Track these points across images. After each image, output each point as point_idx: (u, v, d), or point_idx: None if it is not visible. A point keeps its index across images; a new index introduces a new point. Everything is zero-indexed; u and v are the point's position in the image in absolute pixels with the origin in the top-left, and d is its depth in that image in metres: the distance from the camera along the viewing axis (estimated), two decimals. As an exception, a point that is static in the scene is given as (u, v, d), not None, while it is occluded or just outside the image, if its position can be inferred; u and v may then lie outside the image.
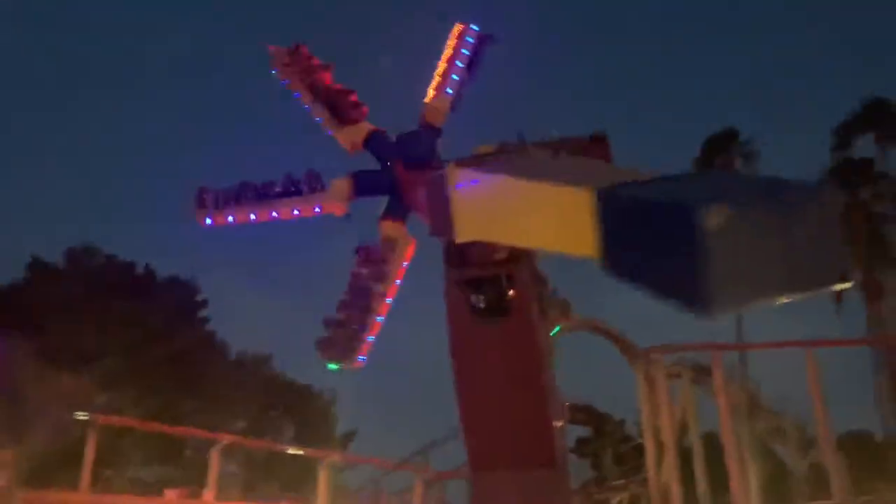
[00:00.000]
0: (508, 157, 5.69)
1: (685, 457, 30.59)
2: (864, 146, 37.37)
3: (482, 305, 6.15)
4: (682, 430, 31.36)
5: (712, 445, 30.99)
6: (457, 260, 6.21)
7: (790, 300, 2.20)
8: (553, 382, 6.61)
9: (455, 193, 5.39)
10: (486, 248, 5.99)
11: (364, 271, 8.26)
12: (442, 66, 9.01)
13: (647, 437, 33.23)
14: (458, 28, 9.25)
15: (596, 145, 8.59)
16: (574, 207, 3.67)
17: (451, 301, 6.26)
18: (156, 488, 26.98)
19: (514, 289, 6.07)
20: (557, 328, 7.72)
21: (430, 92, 8.86)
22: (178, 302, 37.76)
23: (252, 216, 8.46)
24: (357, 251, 8.40)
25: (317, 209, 8.44)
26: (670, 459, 31.10)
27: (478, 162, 5.62)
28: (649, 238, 2.54)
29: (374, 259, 8.32)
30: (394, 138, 8.82)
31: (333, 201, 8.35)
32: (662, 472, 31.76)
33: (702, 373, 31.23)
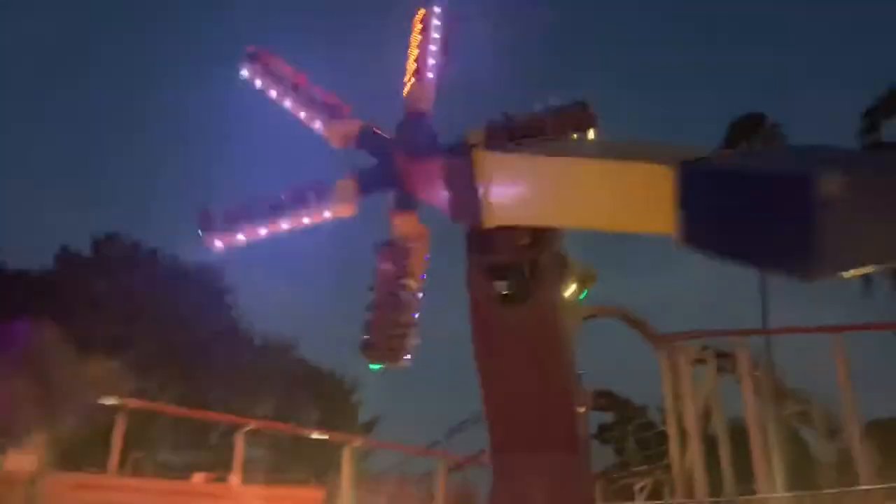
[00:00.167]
0: (540, 140, 5.66)
1: (709, 443, 30.30)
2: (892, 129, 36.78)
3: (504, 292, 6.14)
4: (706, 416, 31.15)
5: (737, 431, 30.78)
6: (479, 246, 6.20)
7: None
8: (575, 368, 6.59)
9: (484, 178, 5.38)
10: (509, 234, 5.97)
11: (390, 268, 8.27)
12: (415, 51, 8.80)
13: (670, 423, 33.09)
14: (422, 12, 9.05)
15: (581, 113, 8.56)
16: (647, 184, 3.66)
17: (473, 287, 6.27)
18: (183, 472, 27.42)
19: (536, 275, 6.05)
20: (585, 293, 7.55)
21: (410, 80, 8.65)
22: (204, 289, 38.12)
23: (263, 231, 8.45)
24: (378, 248, 8.41)
25: (326, 214, 8.44)
26: (694, 445, 30.89)
27: (506, 146, 5.60)
28: (748, 208, 2.57)
29: (397, 255, 8.32)
30: (388, 131, 8.69)
31: (342, 205, 8.31)
32: (686, 458, 31.56)
33: (727, 359, 31.08)
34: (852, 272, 2.24)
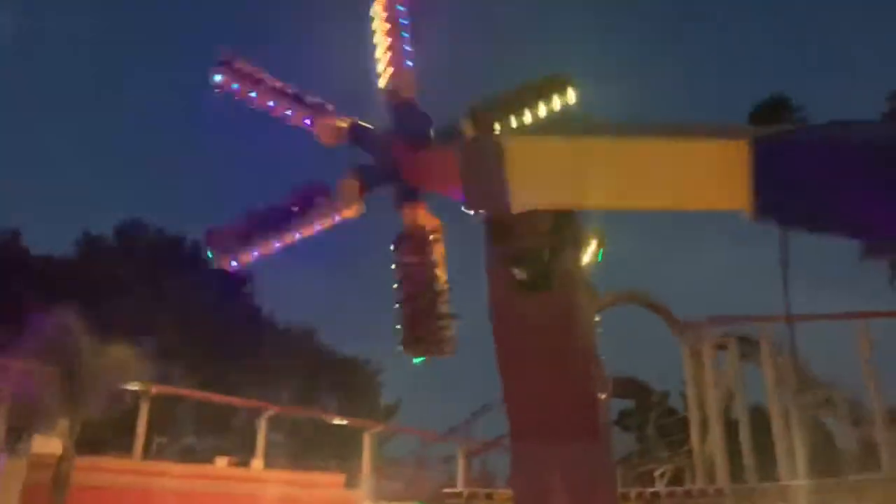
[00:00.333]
0: (568, 123, 5.63)
1: (730, 429, 30.12)
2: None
3: (524, 278, 6.10)
4: (728, 402, 30.92)
5: (758, 418, 30.54)
6: (498, 233, 6.17)
7: None
8: (596, 354, 6.56)
9: (512, 163, 5.33)
10: (528, 219, 5.93)
11: (414, 260, 8.26)
12: (385, 39, 8.63)
13: (691, 410, 32.93)
14: (381, 1, 8.83)
15: (559, 85, 8.50)
16: (717, 160, 3.70)
17: (492, 274, 6.24)
18: (206, 456, 27.79)
19: (556, 260, 6.01)
20: (601, 253, 7.47)
21: (387, 70, 8.51)
22: (226, 276, 38.45)
23: (276, 245, 8.40)
24: (396, 243, 8.39)
25: (337, 218, 8.41)
26: (715, 432, 30.75)
27: (535, 130, 5.57)
28: (845, 178, 2.58)
29: (417, 247, 8.31)
30: (378, 125, 8.58)
31: (350, 205, 8.27)
32: (707, 445, 31.41)
33: (749, 345, 30.81)
34: None
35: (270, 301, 42.64)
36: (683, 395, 35.74)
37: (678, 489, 28.68)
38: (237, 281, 39.42)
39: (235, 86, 8.80)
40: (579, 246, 6.44)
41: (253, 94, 8.76)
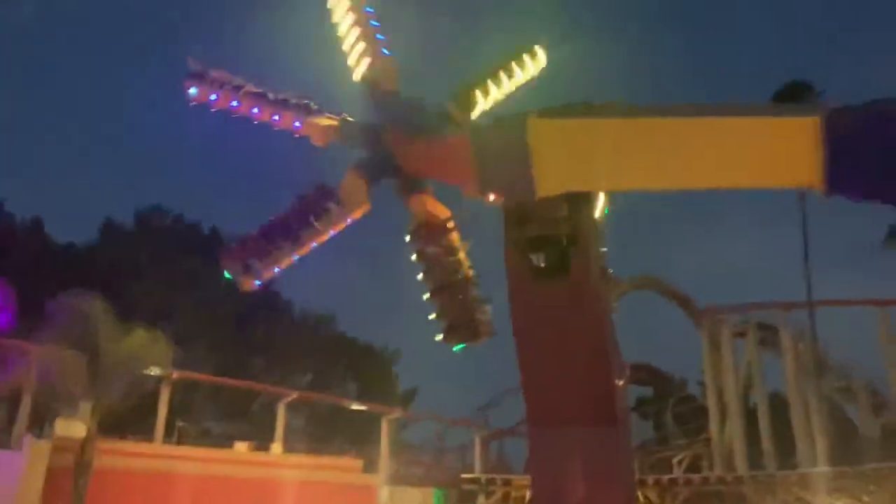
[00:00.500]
0: (593, 107, 5.56)
1: (749, 417, 29.94)
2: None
3: (542, 264, 6.09)
4: (747, 389, 30.72)
5: (777, 405, 30.32)
6: (515, 220, 6.15)
7: None
8: (614, 341, 6.54)
9: (541, 147, 5.29)
10: (546, 206, 5.91)
11: (435, 250, 8.25)
12: (353, 30, 8.43)
13: (710, 397, 32.76)
14: None
15: (529, 49, 8.47)
16: (787, 136, 3.73)
17: (510, 260, 6.22)
18: (226, 441, 28.06)
19: (574, 247, 5.99)
20: (607, 210, 7.43)
21: (363, 61, 8.33)
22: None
23: (295, 257, 8.37)
24: (412, 234, 8.36)
25: (348, 221, 8.36)
26: (734, 419, 30.60)
27: (563, 113, 5.51)
28: None
29: (435, 236, 8.29)
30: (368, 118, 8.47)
31: (357, 204, 8.22)
32: (725, 432, 31.25)
33: (768, 332, 30.58)
34: None
35: (288, 289, 42.87)
36: (701, 383, 35.58)
37: (696, 476, 28.64)
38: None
39: (213, 97, 8.66)
40: (596, 232, 6.40)
41: (234, 104, 8.62)
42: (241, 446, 25.55)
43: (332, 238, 8.40)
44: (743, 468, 27.73)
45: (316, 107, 8.51)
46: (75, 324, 18.90)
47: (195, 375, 27.68)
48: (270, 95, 8.48)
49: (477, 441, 33.04)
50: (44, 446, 20.14)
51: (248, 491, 22.33)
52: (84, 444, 19.42)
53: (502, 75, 8.40)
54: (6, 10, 72.05)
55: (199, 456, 23.46)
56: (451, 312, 8.08)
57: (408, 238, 8.43)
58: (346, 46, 8.48)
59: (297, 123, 8.47)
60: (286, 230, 8.19)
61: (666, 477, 28.57)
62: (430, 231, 8.30)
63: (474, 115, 8.28)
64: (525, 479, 25.63)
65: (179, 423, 26.95)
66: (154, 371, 22.34)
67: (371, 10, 8.60)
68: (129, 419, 23.49)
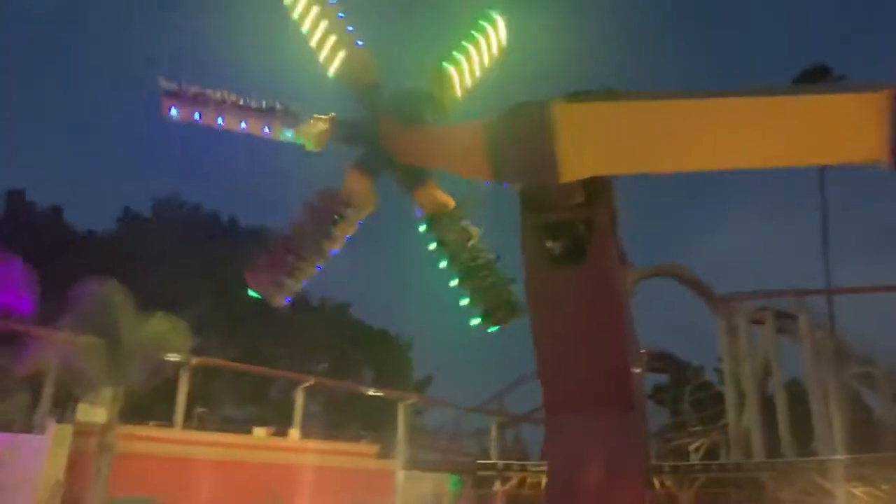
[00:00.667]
0: (621, 92, 5.55)
1: (767, 404, 29.80)
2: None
3: (558, 251, 6.08)
4: (764, 377, 30.56)
5: (795, 393, 30.14)
6: (532, 206, 6.14)
7: None
8: (631, 328, 6.53)
9: (566, 129, 5.28)
10: (563, 192, 5.90)
11: (455, 237, 8.25)
12: (322, 24, 8.18)
13: (727, 384, 32.61)
14: None
15: (494, 28, 8.39)
16: (852, 113, 3.79)
17: (526, 247, 6.22)
18: (245, 426, 28.36)
19: (591, 233, 5.97)
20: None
21: (338, 55, 8.11)
22: (260, 249, 38.85)
23: (318, 268, 8.30)
24: (428, 223, 8.36)
25: (360, 224, 8.30)
26: (751, 406, 30.43)
27: (593, 97, 5.49)
28: None
29: (450, 224, 8.30)
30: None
31: (366, 203, 8.16)
32: (743, 419, 31.09)
33: (787, 319, 30.36)
34: None
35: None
36: (718, 370, 35.47)
37: (713, 463, 28.61)
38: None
39: (197, 115, 8.34)
40: (614, 219, 6.38)
41: (220, 121, 8.35)
42: (259, 431, 25.83)
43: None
44: (760, 455, 27.66)
45: (303, 111, 8.27)
46: (96, 310, 19.13)
47: (214, 361, 27.97)
48: (255, 105, 8.25)
49: (493, 427, 33.18)
50: (66, 431, 20.47)
51: (266, 475, 22.60)
52: (105, 429, 19.72)
53: (471, 49, 8.26)
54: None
55: (219, 441, 23.75)
56: (485, 296, 8.08)
57: (423, 229, 8.42)
58: (314, 43, 8.22)
59: (288, 133, 8.29)
60: (305, 242, 8.13)
61: (683, 464, 28.57)
62: (443, 219, 8.30)
63: (458, 95, 8.23)
64: (541, 465, 25.70)
65: (199, 409, 27.25)
66: (173, 357, 22.60)
67: (334, 2, 8.32)
68: (149, 405, 23.76)
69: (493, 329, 8.10)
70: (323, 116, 8.27)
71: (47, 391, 22.36)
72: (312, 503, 21.83)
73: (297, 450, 24.48)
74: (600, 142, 5.30)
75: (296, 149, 8.49)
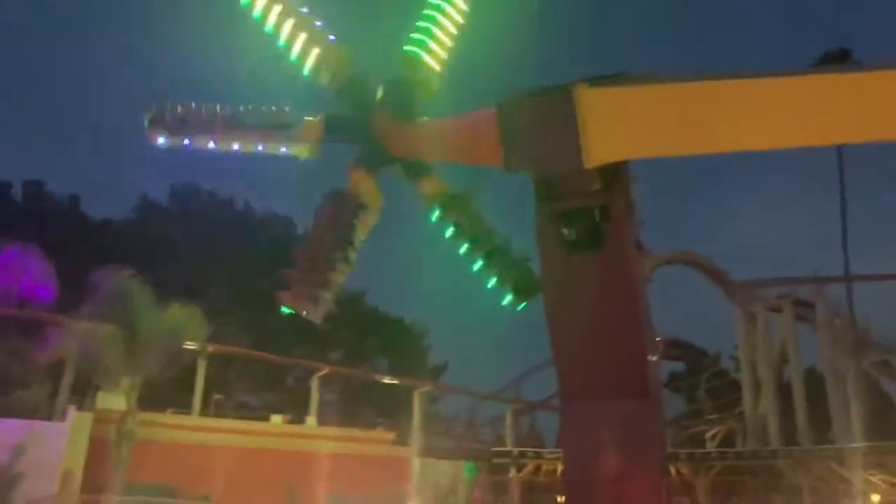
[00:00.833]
0: (642, 74, 5.49)
1: (783, 392, 29.59)
2: None
3: (574, 238, 6.03)
4: (781, 364, 30.33)
5: (813, 381, 29.91)
6: (548, 193, 6.09)
7: None
8: (647, 315, 6.49)
9: (592, 114, 5.22)
10: (579, 179, 5.85)
11: (469, 220, 8.23)
12: (288, 22, 7.95)
13: (744, 372, 32.42)
14: None
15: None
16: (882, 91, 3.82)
17: (542, 234, 6.18)
18: (262, 413, 28.56)
19: (608, 220, 5.92)
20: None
21: (312, 52, 7.93)
22: (276, 237, 39.00)
23: (343, 278, 8.26)
24: (439, 210, 8.35)
25: (371, 224, 8.26)
26: (768, 394, 30.25)
27: (618, 81, 5.43)
28: None
29: (462, 210, 8.28)
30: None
31: (375, 200, 8.09)
32: (759, 407, 30.90)
33: (804, 307, 30.12)
34: None
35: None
36: (735, 358, 35.30)
37: (729, 451, 28.51)
38: (285, 242, 40.01)
39: (186, 142, 8.08)
40: (630, 205, 6.33)
41: (211, 145, 8.11)
42: (276, 418, 26.02)
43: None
44: (777, 443, 27.54)
45: (293, 112, 8.06)
46: (113, 299, 19.27)
47: (230, 349, 28.15)
48: (248, 120, 8.01)
49: (508, 414, 33.21)
50: (86, 418, 20.71)
51: (283, 462, 22.75)
52: (124, 417, 19.91)
53: (434, 24, 8.12)
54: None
55: (236, 428, 23.94)
56: (511, 274, 8.06)
57: (436, 215, 8.39)
58: (283, 42, 8.00)
59: (283, 149, 8.12)
60: (331, 253, 7.99)
61: (699, 451, 28.50)
62: (455, 205, 8.28)
63: (437, 73, 8.12)
64: (556, 453, 25.74)
65: (216, 396, 27.46)
66: (191, 345, 22.75)
67: None
68: (167, 392, 23.96)
69: (522, 307, 8.06)
70: (313, 118, 8.14)
71: (67, 379, 22.61)
72: (329, 490, 21.95)
73: (314, 437, 24.62)
74: (630, 125, 5.24)
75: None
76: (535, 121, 5.56)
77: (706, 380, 36.95)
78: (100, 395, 21.88)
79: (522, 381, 35.94)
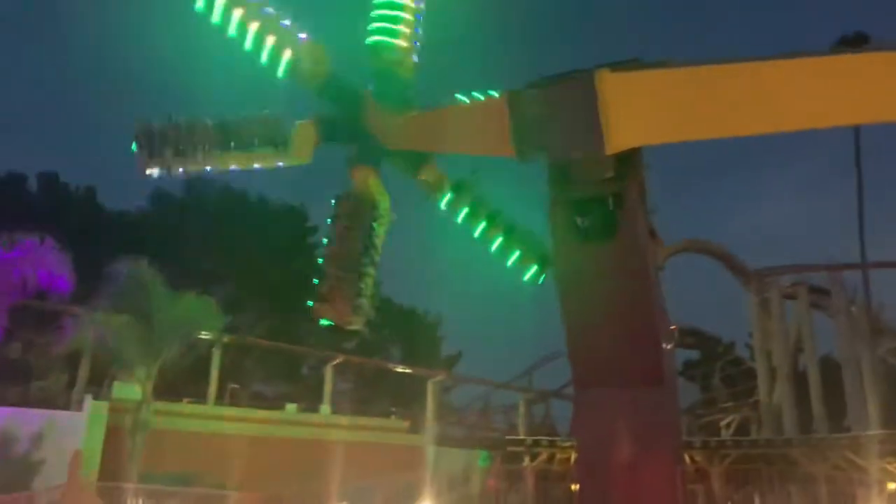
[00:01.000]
0: (662, 59, 5.46)
1: (798, 380, 29.34)
2: None
3: (587, 226, 6.00)
4: (796, 352, 30.06)
5: (828, 368, 29.66)
6: (560, 181, 6.06)
7: None
8: (661, 303, 6.46)
9: (615, 99, 5.19)
10: (592, 166, 5.82)
11: (477, 202, 8.25)
12: (252, 26, 7.69)
13: (758, 360, 32.18)
14: None
15: None
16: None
17: (554, 223, 6.15)
18: (276, 402, 28.75)
19: (621, 208, 5.88)
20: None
21: (284, 53, 7.71)
22: (290, 229, 39.09)
23: (373, 281, 8.26)
24: (448, 198, 8.38)
25: (392, 216, 8.18)
26: (783, 382, 30.02)
27: (641, 65, 5.39)
28: None
29: (469, 195, 8.30)
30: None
31: (382, 196, 8.05)
32: (775, 395, 30.70)
33: (820, 294, 29.85)
34: None
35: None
36: (750, 346, 35.11)
37: (744, 439, 28.39)
38: (300, 233, 40.14)
39: (180, 170, 7.87)
40: (643, 193, 6.28)
41: (208, 169, 7.94)
42: (291, 407, 26.18)
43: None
44: (792, 431, 27.41)
45: (285, 119, 7.92)
46: (129, 290, 19.41)
47: (245, 339, 28.32)
48: (237, 141, 7.77)
49: (521, 403, 33.23)
50: (103, 408, 20.93)
51: (297, 450, 22.90)
52: (140, 406, 20.09)
53: (389, 10, 7.98)
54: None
55: (251, 417, 24.11)
56: (533, 247, 8.06)
57: (446, 203, 8.38)
58: (249, 47, 7.72)
59: (280, 163, 8.07)
60: (358, 259, 7.95)
61: (714, 439, 28.40)
62: (463, 190, 8.28)
63: (406, 49, 8.01)
64: (570, 441, 25.74)
65: (231, 386, 27.65)
66: (206, 335, 22.90)
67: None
68: (183, 382, 24.15)
69: (543, 279, 8.04)
70: (305, 122, 8.04)
71: (84, 369, 22.84)
72: (344, 478, 22.07)
73: (329, 425, 24.76)
74: (652, 109, 5.20)
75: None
76: (552, 107, 5.52)
77: (721, 368, 36.82)
78: (116, 384, 22.09)
79: (536, 370, 35.91)
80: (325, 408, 26.52)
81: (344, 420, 25.40)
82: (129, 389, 21.00)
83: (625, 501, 5.91)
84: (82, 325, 19.63)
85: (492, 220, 8.15)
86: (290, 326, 33.76)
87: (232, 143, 7.71)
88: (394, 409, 30.85)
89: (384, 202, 8.15)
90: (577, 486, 6.85)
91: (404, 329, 41.90)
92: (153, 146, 7.63)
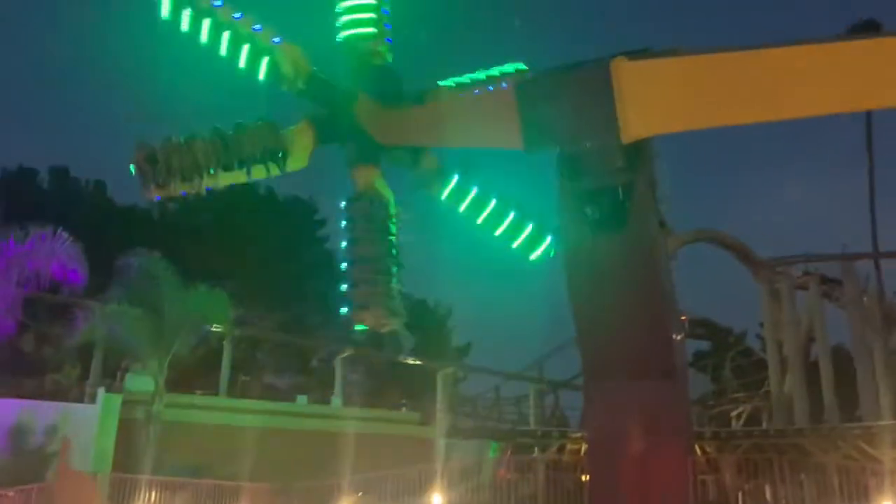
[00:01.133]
0: (676, 47, 5.44)
1: (810, 370, 29.16)
2: None
3: (597, 217, 6.00)
4: (808, 342, 29.89)
5: (840, 359, 29.48)
6: (570, 171, 6.05)
7: None
8: (671, 294, 6.45)
9: (631, 87, 5.18)
10: (602, 156, 5.81)
11: (478, 187, 8.32)
12: (225, 34, 7.68)
13: (769, 350, 31.97)
14: None
15: None
16: None
17: (564, 213, 6.15)
18: (287, 394, 28.87)
19: (631, 199, 5.87)
20: None
21: (262, 60, 7.69)
22: (299, 221, 39.12)
23: (398, 279, 8.37)
24: (450, 196, 8.42)
25: (403, 214, 8.28)
26: (794, 373, 29.85)
27: (656, 54, 5.38)
28: None
29: (471, 180, 8.38)
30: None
31: (386, 191, 8.06)
32: (786, 386, 30.55)
33: (831, 284, 29.66)
34: None
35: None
36: (760, 336, 34.93)
37: (755, 429, 28.26)
38: (310, 226, 40.19)
39: (182, 192, 7.95)
40: (653, 183, 6.27)
41: (208, 188, 7.96)
42: (301, 399, 26.31)
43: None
44: (803, 422, 27.29)
45: (282, 135, 7.92)
46: (141, 283, 19.51)
47: (256, 332, 28.41)
48: (237, 157, 7.73)
49: (532, 394, 33.22)
50: (116, 400, 21.09)
51: (309, 442, 23.01)
52: (153, 398, 20.23)
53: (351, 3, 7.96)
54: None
55: (262, 409, 24.23)
56: (541, 224, 8.17)
57: (445, 195, 8.41)
58: (223, 54, 7.67)
59: (278, 173, 8.11)
60: (383, 260, 8.01)
61: (724, 430, 28.30)
62: (468, 176, 8.32)
63: (375, 35, 7.99)
64: (581, 432, 25.73)
65: (243, 378, 27.79)
66: (217, 328, 23.00)
67: (220, 4, 7.68)
68: (194, 374, 24.30)
69: (553, 253, 8.09)
70: (299, 127, 8.05)
71: (96, 362, 22.99)
72: (355, 469, 22.17)
73: (340, 417, 24.85)
74: (669, 97, 5.19)
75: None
76: (565, 97, 5.52)
77: (731, 358, 36.64)
78: (129, 377, 22.24)
79: (546, 361, 35.87)
80: (336, 400, 26.62)
81: (355, 412, 25.49)
82: (142, 382, 21.14)
83: (635, 492, 5.93)
84: (94, 318, 19.75)
85: (502, 196, 8.22)
86: (301, 319, 33.88)
87: (234, 161, 7.71)
88: (404, 401, 30.90)
89: (391, 200, 8.19)
90: (588, 477, 6.86)
91: (414, 320, 41.87)
92: (154, 173, 7.64)
